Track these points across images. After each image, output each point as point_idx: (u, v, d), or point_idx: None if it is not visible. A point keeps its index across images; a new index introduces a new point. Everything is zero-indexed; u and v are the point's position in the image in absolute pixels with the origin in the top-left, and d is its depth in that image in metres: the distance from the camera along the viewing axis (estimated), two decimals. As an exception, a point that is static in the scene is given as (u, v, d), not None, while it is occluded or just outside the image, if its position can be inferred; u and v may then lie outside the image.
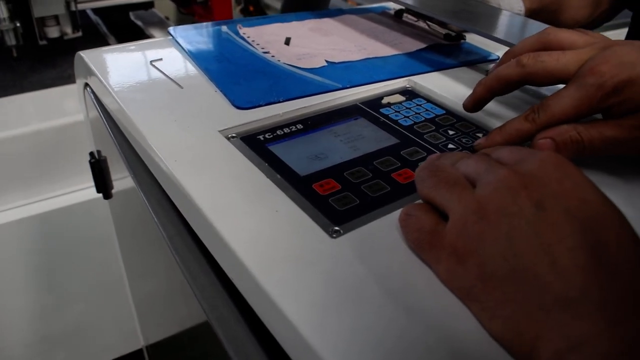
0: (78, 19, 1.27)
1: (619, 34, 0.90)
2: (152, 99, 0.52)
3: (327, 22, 0.71)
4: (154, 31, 1.48)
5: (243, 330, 0.36)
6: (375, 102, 0.53)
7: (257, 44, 0.62)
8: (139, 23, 1.53)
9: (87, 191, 0.98)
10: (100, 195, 0.76)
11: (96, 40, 1.40)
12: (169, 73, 0.57)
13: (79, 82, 0.69)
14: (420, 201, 0.34)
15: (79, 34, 1.28)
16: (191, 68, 0.59)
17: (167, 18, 1.87)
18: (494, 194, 0.29)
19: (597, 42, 0.43)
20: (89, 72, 0.62)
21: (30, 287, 1.06)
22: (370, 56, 0.61)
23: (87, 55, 0.63)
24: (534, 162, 0.29)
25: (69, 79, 1.20)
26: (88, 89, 0.65)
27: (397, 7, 0.78)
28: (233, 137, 0.46)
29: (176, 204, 0.43)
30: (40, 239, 1.02)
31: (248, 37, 0.64)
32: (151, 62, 0.60)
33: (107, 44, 1.41)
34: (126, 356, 1.18)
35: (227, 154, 0.43)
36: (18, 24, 1.18)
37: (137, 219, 0.66)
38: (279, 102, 0.50)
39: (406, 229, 0.33)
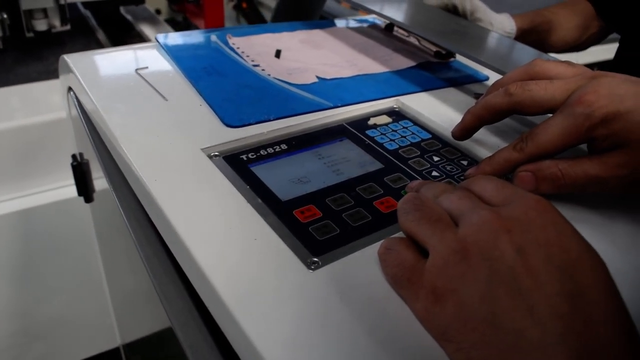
0: (67, 12, 1.25)
1: (609, 49, 0.91)
2: (135, 111, 0.51)
3: (317, 34, 0.71)
4: (144, 27, 1.46)
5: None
6: (361, 123, 0.53)
7: (247, 56, 0.61)
8: (129, 17, 1.51)
9: (70, 189, 0.97)
10: (82, 195, 0.75)
11: (85, 34, 1.38)
12: (154, 83, 0.56)
13: (63, 84, 0.68)
14: (400, 234, 0.34)
15: (67, 27, 1.27)
16: (177, 79, 0.58)
17: (159, 12, 1.85)
18: (476, 235, 0.28)
19: (584, 73, 0.43)
20: (73, 77, 0.61)
21: (9, 281, 1.05)
22: (361, 73, 0.60)
23: (71, 59, 0.62)
24: (518, 207, 0.29)
25: (55, 73, 1.18)
26: (72, 92, 0.64)
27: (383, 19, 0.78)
28: (216, 155, 0.46)
29: (155, 224, 0.42)
30: (21, 234, 1.01)
31: (237, 47, 0.63)
32: (136, 70, 0.59)
33: (95, 38, 1.40)
34: (104, 354, 1.17)
35: (209, 174, 0.43)
36: (5, 16, 1.16)
37: (117, 225, 0.65)
38: (270, 120, 0.49)
39: (385, 262, 0.33)
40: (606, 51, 1.03)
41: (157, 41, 0.65)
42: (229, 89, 0.55)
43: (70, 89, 0.65)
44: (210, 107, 0.51)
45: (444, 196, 0.33)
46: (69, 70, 0.62)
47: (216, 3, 1.37)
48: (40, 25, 1.21)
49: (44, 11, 1.21)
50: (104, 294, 1.03)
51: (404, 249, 0.32)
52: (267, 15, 2.15)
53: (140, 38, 1.40)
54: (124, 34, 1.45)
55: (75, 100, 0.63)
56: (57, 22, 1.25)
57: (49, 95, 1.08)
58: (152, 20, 1.52)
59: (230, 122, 0.49)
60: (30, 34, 1.22)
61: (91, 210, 0.76)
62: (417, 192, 0.36)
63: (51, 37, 1.27)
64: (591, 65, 1.66)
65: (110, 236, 0.74)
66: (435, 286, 0.29)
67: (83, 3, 1.55)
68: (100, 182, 0.69)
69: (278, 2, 0.81)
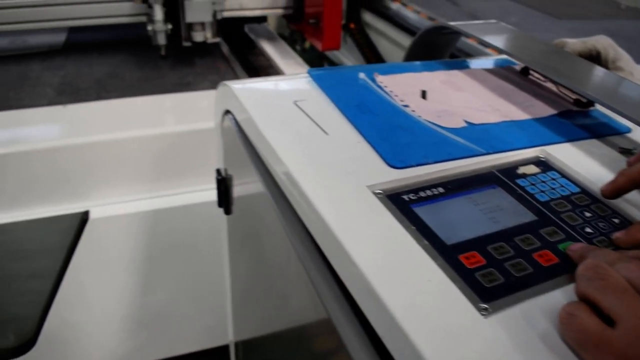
0: (220, 26, 1.39)
1: None
2: (300, 143, 0.56)
3: (457, 76, 0.74)
4: (264, 44, 1.55)
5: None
6: (510, 172, 0.55)
7: (396, 95, 0.65)
8: (252, 35, 1.61)
9: (204, 193, 1.08)
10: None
11: (211, 47, 1.49)
12: (313, 116, 0.61)
13: (219, 106, 0.75)
14: (565, 291, 0.37)
15: (219, 39, 1.39)
16: (333, 113, 0.62)
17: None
18: None
19: None
20: (235, 103, 0.67)
21: (133, 270, 1.16)
22: (505, 119, 0.63)
23: (233, 87, 0.68)
24: None
25: (191, 86, 1.29)
26: (230, 115, 0.71)
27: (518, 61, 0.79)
28: (379, 194, 0.50)
29: (328, 256, 0.47)
30: (156, 231, 1.12)
31: (385, 86, 0.68)
32: (295, 102, 0.64)
33: (220, 51, 1.50)
34: (210, 350, 1.24)
35: (377, 212, 0.47)
36: (170, 26, 1.30)
37: (258, 240, 0.71)
38: (429, 163, 0.53)
39: (569, 327, 0.35)
40: None
41: (309, 75, 0.70)
42: (383, 128, 0.59)
43: (227, 112, 0.72)
44: (371, 145, 0.56)
45: (622, 265, 0.36)
46: (230, 96, 0.69)
47: (335, 25, 1.43)
48: (198, 36, 1.35)
49: (202, 24, 1.34)
50: (223, 295, 1.09)
51: (587, 316, 0.34)
52: (373, 35, 2.20)
53: (263, 56, 1.49)
54: (246, 50, 1.55)
55: (234, 123, 0.69)
56: (209, 34, 1.37)
57: (200, 105, 1.20)
58: (271, 37, 1.61)
59: (393, 163, 0.52)
60: (187, 43, 1.36)
61: (227, 222, 0.83)
62: (590, 258, 0.39)
63: (198, 47, 1.39)
64: None
65: (246, 247, 0.80)
66: (627, 355, 0.31)
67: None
68: (245, 197, 0.76)
69: (414, 41, 0.85)
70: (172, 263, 1.16)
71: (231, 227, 0.83)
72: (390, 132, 0.58)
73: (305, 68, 1.41)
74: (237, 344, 0.98)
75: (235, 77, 1.34)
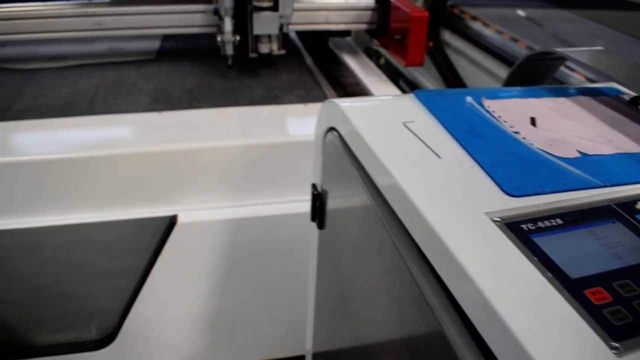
0: (285, 39, 1.43)
1: None
2: (414, 166, 0.57)
3: (564, 103, 0.73)
4: (347, 58, 1.58)
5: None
6: (629, 206, 0.54)
7: (505, 121, 0.65)
8: (336, 50, 1.64)
9: (293, 204, 1.12)
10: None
11: (293, 57, 1.53)
12: (424, 138, 0.62)
13: (322, 123, 0.77)
14: None
15: (283, 51, 1.43)
16: (443, 136, 0.63)
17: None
18: None
19: None
20: (341, 120, 0.69)
21: (215, 275, 1.20)
22: (619, 151, 0.62)
23: (340, 104, 0.70)
24: None
25: (289, 94, 1.33)
26: (334, 132, 0.72)
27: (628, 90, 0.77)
28: (497, 221, 0.50)
29: (442, 275, 0.47)
30: (238, 238, 1.16)
31: (493, 111, 0.67)
32: (404, 123, 0.65)
33: (303, 61, 1.54)
34: (284, 359, 1.26)
35: (498, 239, 0.47)
36: (238, 38, 1.35)
37: (355, 253, 0.72)
38: (545, 193, 0.53)
39: None
40: None
41: (416, 96, 0.71)
42: (495, 155, 0.59)
43: (331, 129, 0.73)
44: (485, 171, 0.56)
45: None
46: (335, 113, 0.70)
47: (420, 41, 1.43)
48: (264, 48, 1.39)
49: (269, 37, 1.38)
50: (301, 305, 1.12)
51: None
52: (452, 54, 2.19)
53: (347, 70, 1.51)
54: (329, 64, 1.58)
55: (339, 141, 0.70)
56: (275, 47, 1.41)
57: (283, 117, 1.24)
58: (353, 52, 1.63)
59: (510, 191, 0.52)
60: (254, 55, 1.40)
61: (319, 236, 0.85)
62: None
63: (266, 58, 1.44)
64: None
65: (339, 256, 0.81)
66: None
67: (297, 33, 1.72)
68: (343, 211, 0.77)
69: (516, 65, 0.85)
70: (252, 270, 1.20)
71: (322, 239, 0.84)
72: (503, 159, 0.58)
73: (390, 85, 1.42)
74: (315, 355, 0.99)
75: (321, 91, 1.36)
